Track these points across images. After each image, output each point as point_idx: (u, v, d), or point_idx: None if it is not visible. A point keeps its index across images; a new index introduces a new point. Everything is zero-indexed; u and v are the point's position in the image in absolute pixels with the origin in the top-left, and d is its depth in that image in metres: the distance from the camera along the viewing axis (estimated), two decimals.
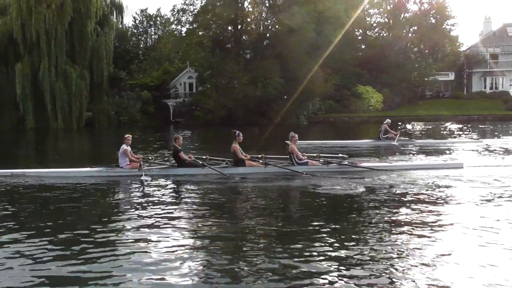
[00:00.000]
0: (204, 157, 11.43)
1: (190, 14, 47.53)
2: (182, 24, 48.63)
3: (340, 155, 12.00)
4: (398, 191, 8.73)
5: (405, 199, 8.01)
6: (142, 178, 10.51)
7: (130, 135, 11.63)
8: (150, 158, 13.35)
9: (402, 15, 56.46)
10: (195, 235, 6.15)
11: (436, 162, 12.78)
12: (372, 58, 53.07)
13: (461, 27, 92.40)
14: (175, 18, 49.09)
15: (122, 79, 48.73)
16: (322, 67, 42.95)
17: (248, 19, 45.59)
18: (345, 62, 50.08)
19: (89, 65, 43.43)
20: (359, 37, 58.64)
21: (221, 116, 41.74)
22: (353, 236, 5.86)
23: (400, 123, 34.01)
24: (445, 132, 27.88)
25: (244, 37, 46.86)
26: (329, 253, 5.21)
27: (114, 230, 6.43)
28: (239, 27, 45.76)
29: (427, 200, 7.91)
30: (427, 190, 8.80)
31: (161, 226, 6.57)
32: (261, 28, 44.14)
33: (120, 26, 52.43)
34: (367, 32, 58.14)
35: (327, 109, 47.50)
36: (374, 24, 59.12)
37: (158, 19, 67.46)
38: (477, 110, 46.05)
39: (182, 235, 6.16)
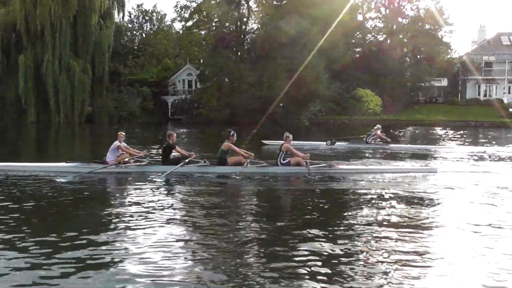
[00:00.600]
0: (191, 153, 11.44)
1: (193, 10, 47.41)
2: (185, 21, 48.31)
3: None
4: (371, 194, 8.84)
5: (378, 202, 8.13)
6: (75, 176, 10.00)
7: (124, 133, 11.62)
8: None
9: (400, 20, 57.22)
10: (166, 235, 5.94)
11: (411, 166, 13.04)
12: (370, 62, 53.74)
13: (454, 34, 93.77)
14: (178, 15, 48.77)
15: (122, 74, 48.26)
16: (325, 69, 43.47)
17: (253, 19, 45.80)
18: (345, 65, 50.63)
19: (91, 59, 42.98)
20: (353, 41, 59.18)
21: (225, 115, 41.77)
22: (332, 236, 5.94)
23: (400, 129, 34.25)
24: (443, 137, 27.92)
25: (247, 37, 46.97)
26: (308, 251, 5.29)
27: (74, 227, 6.27)
28: (244, 26, 45.85)
29: (400, 202, 8.07)
30: (400, 192, 8.93)
31: (118, 224, 6.47)
32: (267, 28, 44.19)
33: (122, 20, 51.91)
34: (365, 36, 58.72)
35: (327, 111, 47.97)
36: (371, 28, 59.76)
37: (154, 14, 66.95)
38: (473, 116, 46.98)
39: (148, 234, 5.98)
